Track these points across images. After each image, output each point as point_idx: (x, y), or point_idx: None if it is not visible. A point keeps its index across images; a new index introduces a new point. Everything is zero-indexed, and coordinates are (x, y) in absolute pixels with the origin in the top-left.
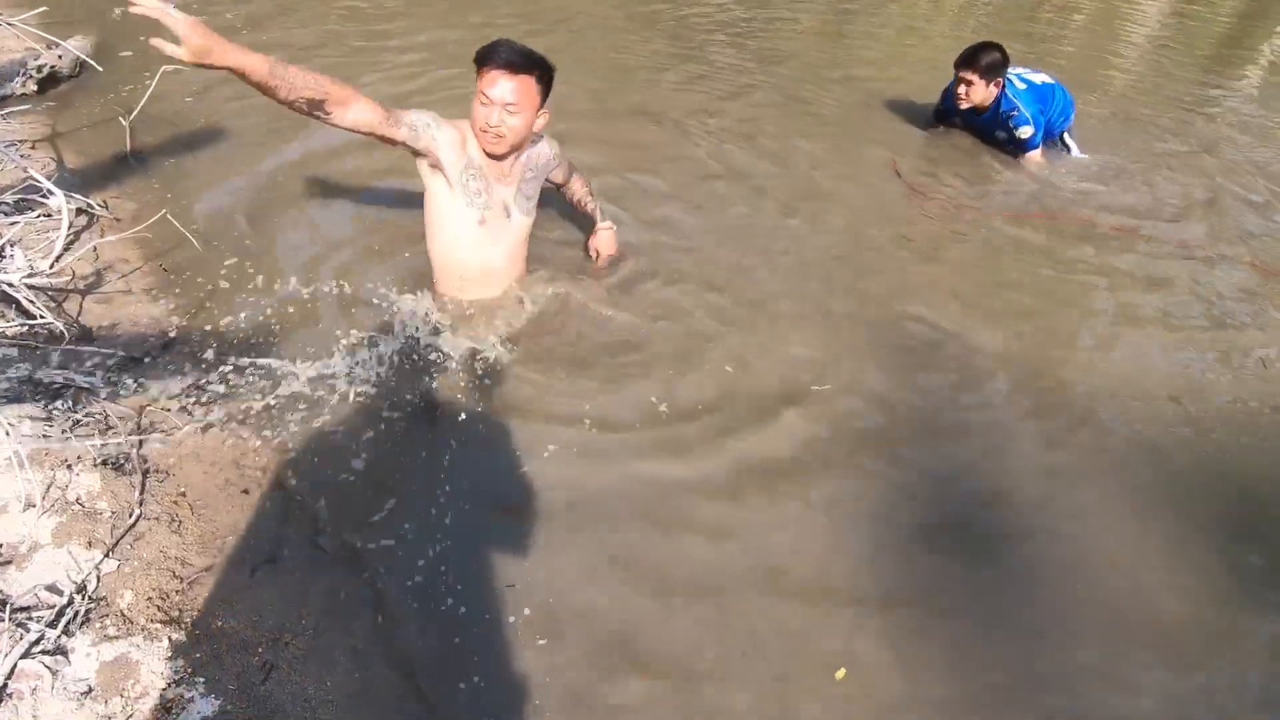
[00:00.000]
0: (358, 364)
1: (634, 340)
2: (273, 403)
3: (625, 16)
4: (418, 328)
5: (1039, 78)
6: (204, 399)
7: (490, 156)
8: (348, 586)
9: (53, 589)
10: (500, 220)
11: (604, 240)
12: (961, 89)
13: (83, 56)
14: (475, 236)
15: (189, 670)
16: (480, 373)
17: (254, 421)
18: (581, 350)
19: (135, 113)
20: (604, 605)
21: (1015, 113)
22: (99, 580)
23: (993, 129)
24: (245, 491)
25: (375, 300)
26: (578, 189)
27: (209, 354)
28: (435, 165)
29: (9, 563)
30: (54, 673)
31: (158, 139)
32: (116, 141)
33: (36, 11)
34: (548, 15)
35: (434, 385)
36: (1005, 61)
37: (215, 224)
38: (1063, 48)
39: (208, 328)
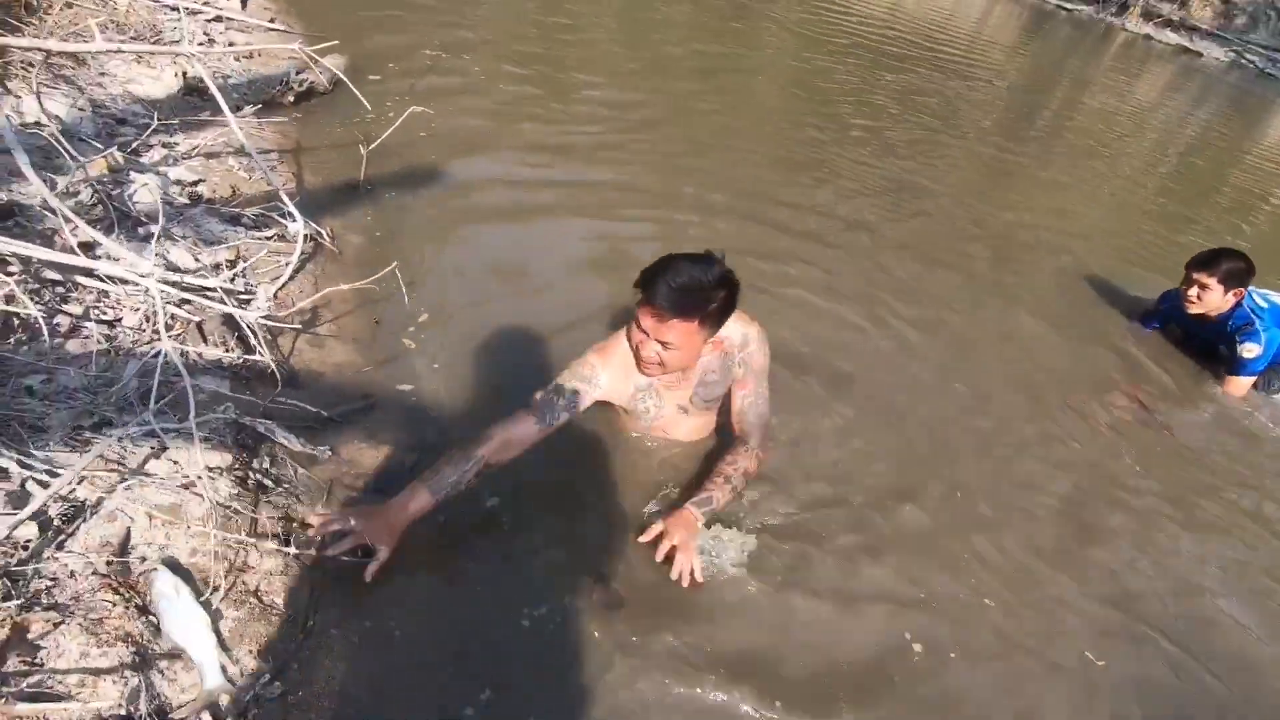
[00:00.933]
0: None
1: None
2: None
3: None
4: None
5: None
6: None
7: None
8: None
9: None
10: (676, 417)
11: (683, 522)
12: (1194, 291)
13: (340, 76)
14: (651, 436)
15: None
16: None
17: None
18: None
19: (375, 143)
20: None
21: (1249, 327)
22: (260, 706)
23: (1217, 342)
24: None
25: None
26: (739, 461)
27: (399, 429)
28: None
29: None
30: None
31: (389, 171)
32: (352, 168)
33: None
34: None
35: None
36: (1249, 271)
37: (427, 279)
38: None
39: (408, 400)
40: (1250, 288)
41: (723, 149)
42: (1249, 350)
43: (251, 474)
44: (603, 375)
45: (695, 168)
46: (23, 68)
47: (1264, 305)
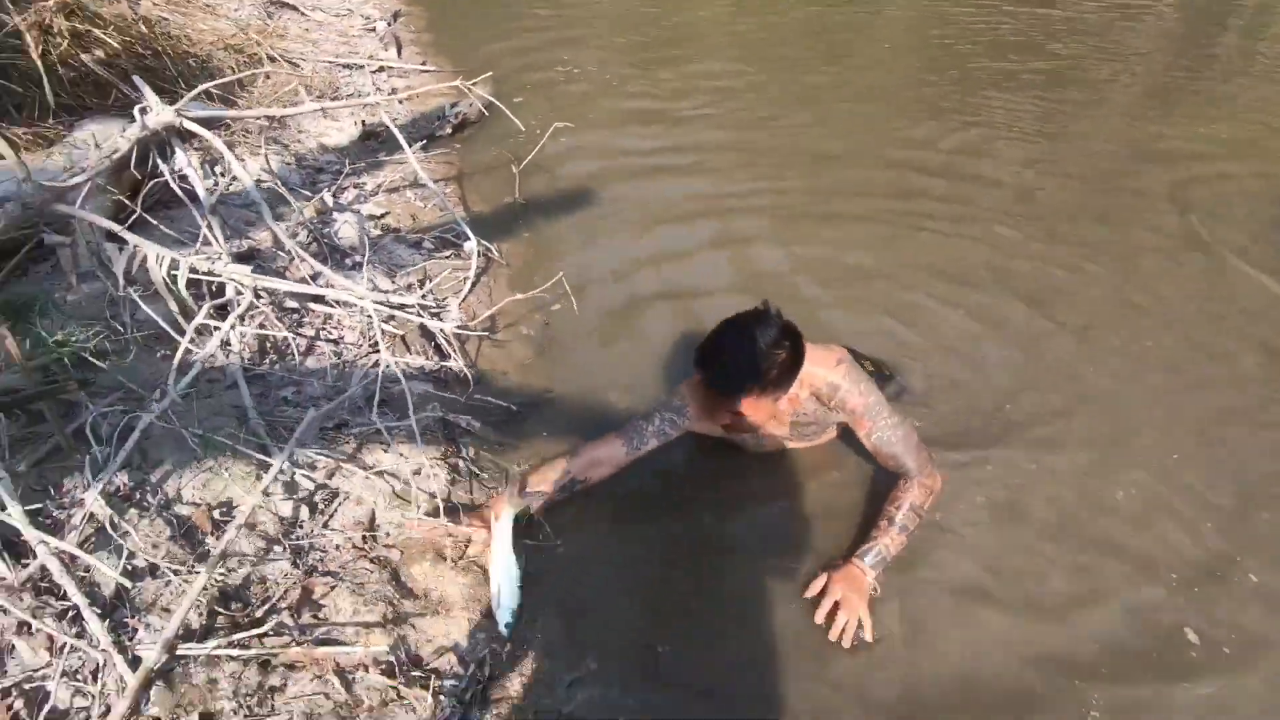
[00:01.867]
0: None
1: None
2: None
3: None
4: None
5: None
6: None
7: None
8: None
9: (461, 656)
10: (777, 446)
11: (848, 578)
12: None
13: (495, 101)
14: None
15: None
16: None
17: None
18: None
19: (525, 162)
20: None
21: None
22: (491, 660)
23: None
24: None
25: None
26: (906, 496)
27: (571, 418)
28: None
29: (426, 615)
30: None
31: (540, 188)
32: (507, 187)
33: (479, 78)
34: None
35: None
36: None
37: (586, 288)
38: None
39: (582, 394)
40: None
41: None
42: None
43: (462, 462)
44: (692, 409)
45: (835, 153)
46: (242, 134)
47: None
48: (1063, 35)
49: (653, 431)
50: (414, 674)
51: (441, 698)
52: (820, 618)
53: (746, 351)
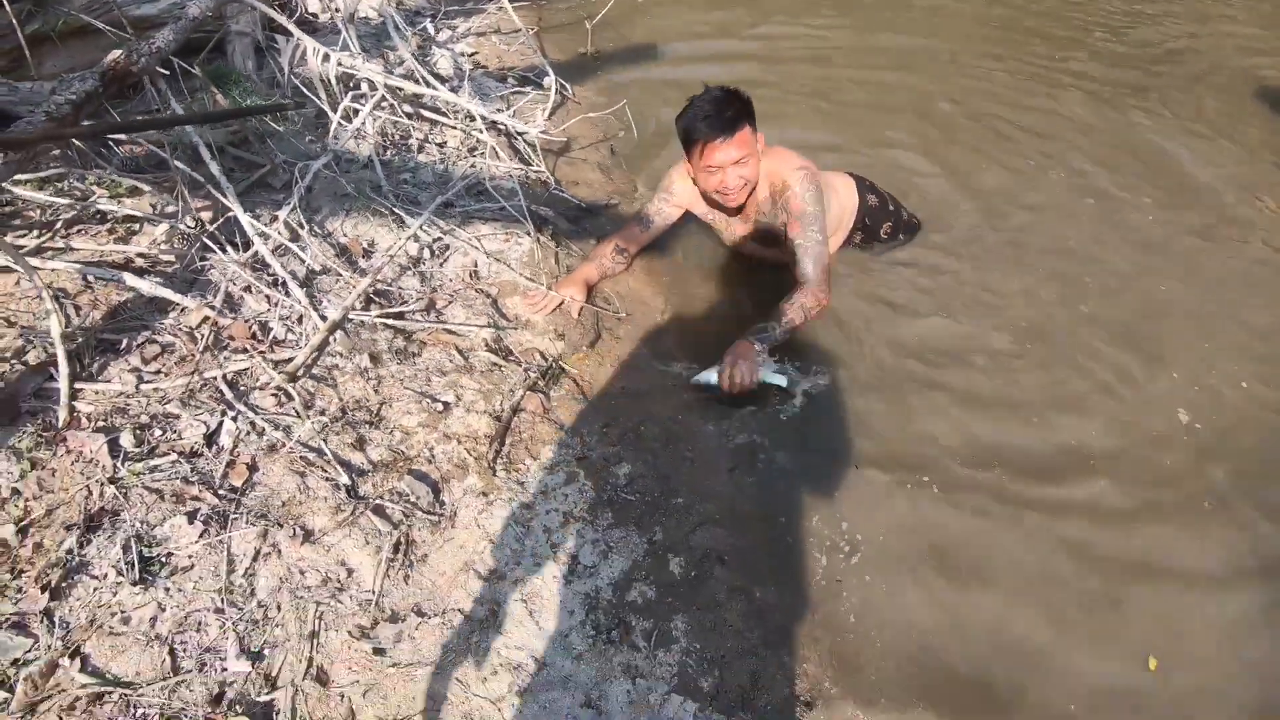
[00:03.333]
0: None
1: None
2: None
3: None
4: None
5: None
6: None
7: (728, 213)
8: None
9: (543, 354)
10: (747, 245)
11: (739, 350)
12: None
13: None
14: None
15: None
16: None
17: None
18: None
19: (597, 19)
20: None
21: None
22: (559, 364)
23: None
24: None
25: None
26: (793, 307)
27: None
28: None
29: (516, 329)
30: (546, 407)
31: (610, 42)
32: (581, 40)
33: None
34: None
35: None
36: None
37: (646, 121)
38: None
39: (635, 202)
40: None
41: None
42: None
43: (543, 238)
44: (678, 185)
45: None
46: None
47: None
48: None
49: (654, 211)
50: (510, 357)
51: (528, 372)
52: (724, 383)
53: (715, 98)
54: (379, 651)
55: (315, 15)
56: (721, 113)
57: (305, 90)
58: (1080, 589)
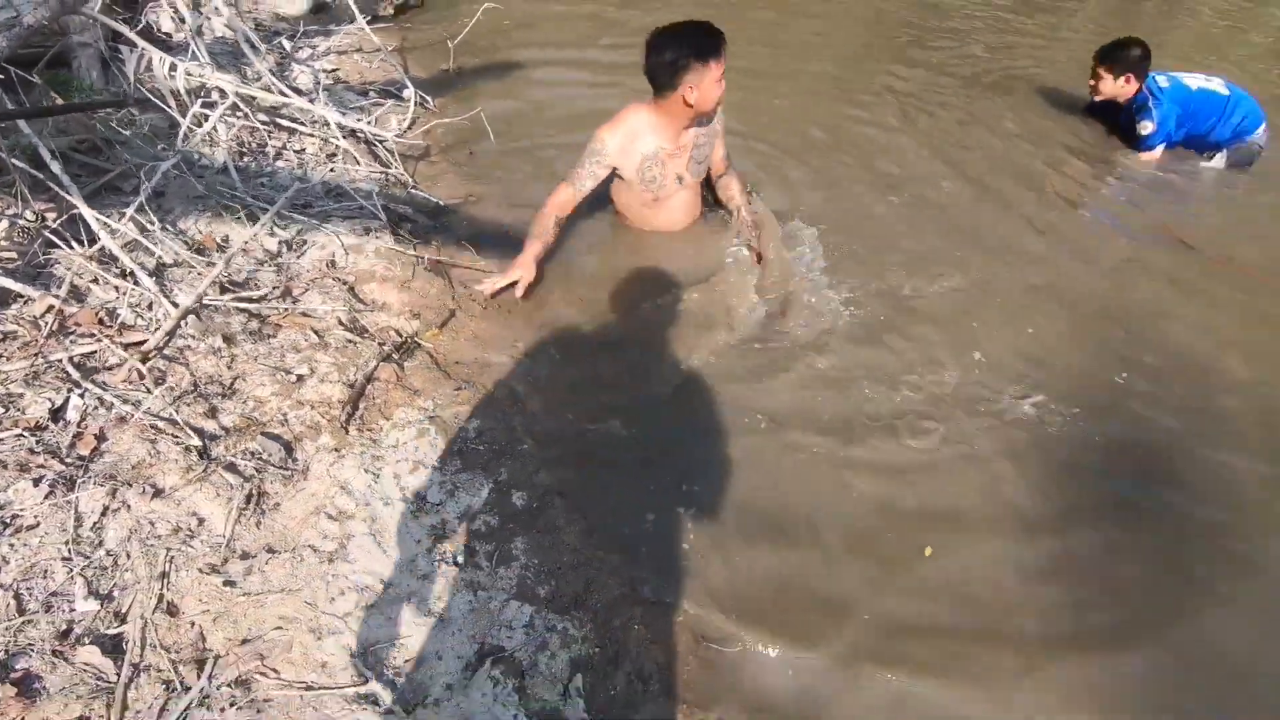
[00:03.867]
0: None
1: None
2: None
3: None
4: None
5: (1197, 82)
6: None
7: (685, 129)
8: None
9: (398, 331)
10: (675, 189)
11: (768, 226)
12: (1092, 81)
13: None
14: (653, 208)
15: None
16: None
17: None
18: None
19: (458, 39)
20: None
21: (1145, 107)
22: (414, 340)
23: (1129, 123)
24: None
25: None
26: (734, 185)
27: (492, 219)
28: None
29: (372, 311)
30: (400, 376)
31: (472, 58)
32: (443, 59)
33: None
34: None
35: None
36: (1141, 58)
37: (505, 128)
38: None
39: (497, 202)
40: (1167, 74)
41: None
42: (1143, 128)
43: (402, 233)
44: (610, 143)
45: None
46: None
47: (1164, 85)
48: None
49: (586, 175)
50: (366, 334)
51: (383, 346)
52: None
53: (706, 23)
54: (229, 584)
55: (169, 35)
56: (718, 33)
57: (154, 99)
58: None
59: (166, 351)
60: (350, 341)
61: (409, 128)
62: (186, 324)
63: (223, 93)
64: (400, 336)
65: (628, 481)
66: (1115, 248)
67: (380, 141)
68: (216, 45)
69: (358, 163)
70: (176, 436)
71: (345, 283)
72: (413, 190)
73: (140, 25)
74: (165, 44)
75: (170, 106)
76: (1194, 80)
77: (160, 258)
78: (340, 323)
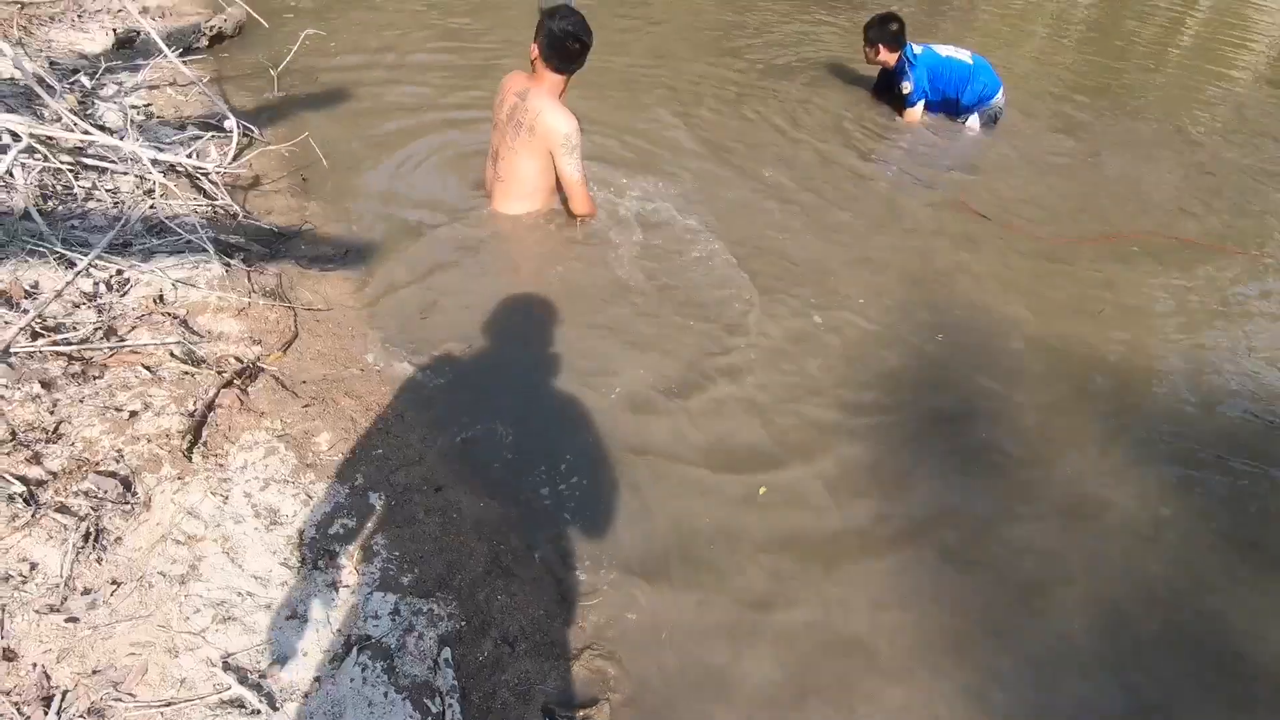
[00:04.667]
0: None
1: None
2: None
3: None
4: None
5: (947, 51)
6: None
7: None
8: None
9: (238, 357)
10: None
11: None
12: (864, 51)
13: (251, 12)
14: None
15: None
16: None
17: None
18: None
19: (281, 66)
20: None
21: (903, 71)
22: (256, 365)
23: (894, 90)
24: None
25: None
26: None
27: (330, 240)
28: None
29: (209, 340)
30: (244, 400)
31: (296, 86)
32: (266, 87)
33: None
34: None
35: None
36: (898, 31)
37: (335, 150)
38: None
39: (334, 222)
40: (924, 46)
41: None
42: (903, 88)
43: (233, 262)
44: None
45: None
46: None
47: (918, 53)
48: None
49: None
50: (203, 364)
51: (222, 373)
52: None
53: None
54: (72, 620)
55: None
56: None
57: None
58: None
59: None
60: (187, 373)
61: (235, 158)
62: None
63: (15, 135)
64: (241, 362)
65: (486, 471)
66: (916, 218)
67: (203, 174)
68: (5, 87)
69: (179, 197)
70: None
71: (176, 316)
72: (245, 220)
73: None
74: None
75: None
76: (944, 50)
77: None
78: (173, 355)
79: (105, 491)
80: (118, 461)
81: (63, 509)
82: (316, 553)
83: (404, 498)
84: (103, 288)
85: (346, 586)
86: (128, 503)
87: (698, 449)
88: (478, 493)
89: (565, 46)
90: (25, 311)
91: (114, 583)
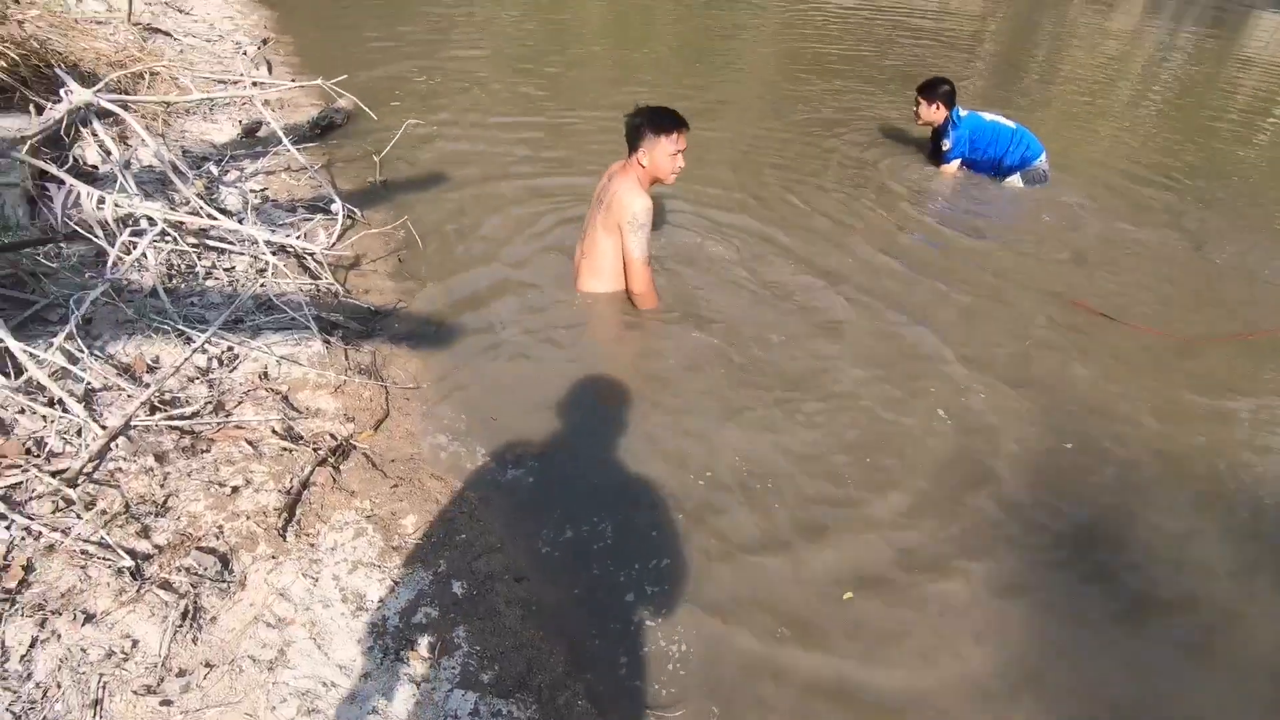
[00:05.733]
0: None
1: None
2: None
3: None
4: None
5: (991, 116)
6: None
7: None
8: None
9: (333, 434)
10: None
11: None
12: (915, 109)
13: (356, 101)
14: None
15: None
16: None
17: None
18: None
19: (384, 153)
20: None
21: (946, 130)
22: (349, 443)
23: (935, 147)
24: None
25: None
26: None
27: (423, 319)
28: None
29: (306, 418)
30: (336, 479)
31: (398, 172)
32: (370, 172)
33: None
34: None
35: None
36: (949, 92)
37: (433, 233)
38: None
39: (427, 302)
40: (972, 111)
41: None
42: (944, 145)
43: (333, 339)
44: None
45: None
46: (133, 131)
47: (963, 115)
48: None
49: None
50: (300, 441)
51: (317, 450)
52: None
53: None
54: (166, 703)
55: (95, 166)
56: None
57: (82, 231)
58: None
59: (97, 475)
60: (285, 449)
61: (338, 239)
62: (117, 446)
63: (151, 220)
64: (335, 440)
65: (555, 564)
66: (1028, 320)
67: (310, 254)
68: (144, 174)
69: (288, 276)
70: (107, 559)
71: (279, 392)
72: (344, 299)
73: (68, 164)
74: (91, 176)
75: (98, 236)
76: (989, 115)
77: (89, 384)
78: (274, 431)
79: (205, 569)
80: (218, 538)
81: (165, 585)
82: (399, 642)
83: (485, 586)
84: (215, 363)
85: (428, 681)
86: (225, 581)
87: (788, 546)
88: (559, 585)
89: (627, 125)
90: (146, 385)
91: (207, 664)
